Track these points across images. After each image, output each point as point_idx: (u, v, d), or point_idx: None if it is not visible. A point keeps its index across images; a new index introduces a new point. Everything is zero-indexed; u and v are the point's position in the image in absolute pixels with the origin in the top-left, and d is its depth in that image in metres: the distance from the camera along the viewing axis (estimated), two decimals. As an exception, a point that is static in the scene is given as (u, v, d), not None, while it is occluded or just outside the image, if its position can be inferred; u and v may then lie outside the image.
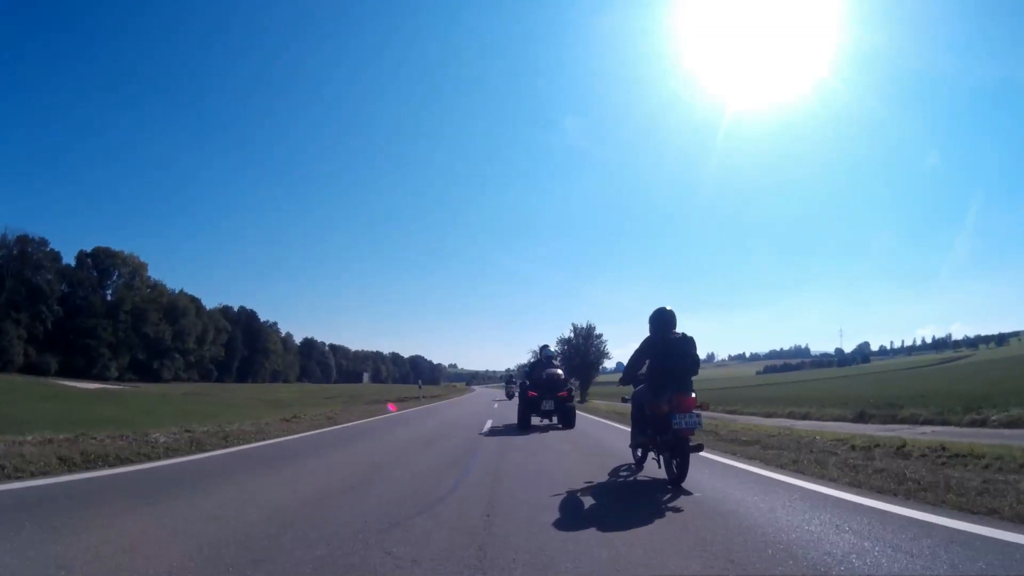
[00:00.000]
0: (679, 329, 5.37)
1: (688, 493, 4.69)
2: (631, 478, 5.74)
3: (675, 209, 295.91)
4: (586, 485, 5.21)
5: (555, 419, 12.30)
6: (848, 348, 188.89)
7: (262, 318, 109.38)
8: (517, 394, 19.93)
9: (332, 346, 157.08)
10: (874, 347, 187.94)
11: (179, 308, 79.96)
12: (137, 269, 76.33)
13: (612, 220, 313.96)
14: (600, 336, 42.26)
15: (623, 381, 6.20)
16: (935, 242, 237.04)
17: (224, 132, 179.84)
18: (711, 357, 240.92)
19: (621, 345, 47.37)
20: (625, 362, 6.07)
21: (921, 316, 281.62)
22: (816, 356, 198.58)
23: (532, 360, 18.79)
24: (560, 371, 12.69)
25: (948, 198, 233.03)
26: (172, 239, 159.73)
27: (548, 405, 11.76)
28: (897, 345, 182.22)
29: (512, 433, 10.96)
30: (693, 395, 5.07)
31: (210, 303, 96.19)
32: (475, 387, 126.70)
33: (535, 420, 12.30)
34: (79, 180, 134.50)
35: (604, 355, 42.22)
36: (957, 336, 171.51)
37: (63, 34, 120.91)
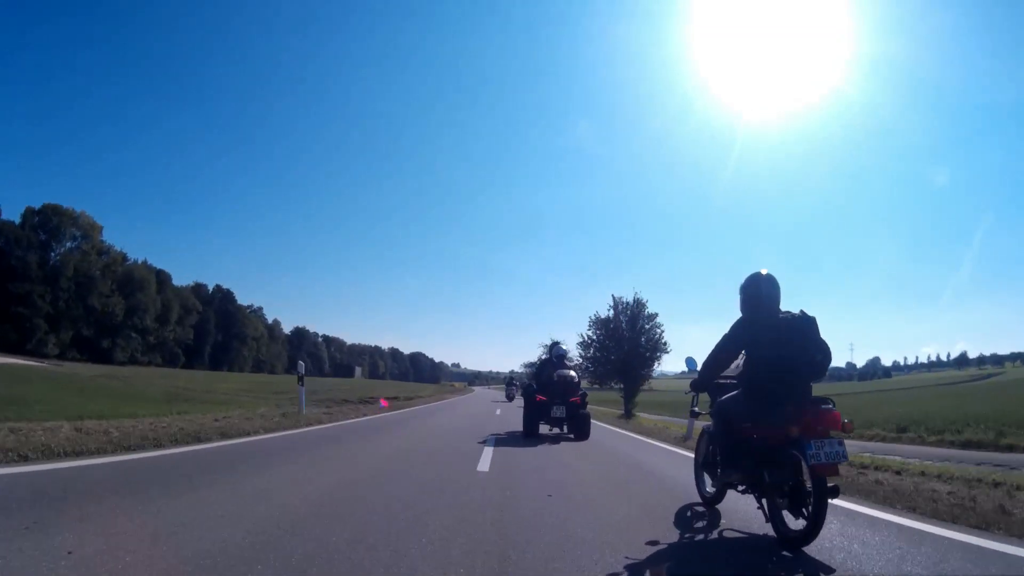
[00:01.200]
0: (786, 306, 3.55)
1: (830, 570, 2.84)
2: (718, 534, 3.59)
3: (685, 217, 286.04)
4: (652, 549, 3.13)
5: (565, 428, 10.71)
6: (859, 363, 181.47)
7: (249, 302, 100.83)
8: (520, 396, 19.45)
9: (326, 337, 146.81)
10: (884, 363, 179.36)
11: (135, 280, 69.20)
12: (89, 231, 65.55)
13: (622, 226, 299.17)
14: (655, 318, 25.42)
15: (698, 386, 4.13)
16: (941, 261, 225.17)
17: (226, 118, 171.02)
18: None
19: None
20: (696, 358, 4.90)
21: (925, 334, 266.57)
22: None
23: (541, 359, 16.30)
24: (573, 372, 11.01)
25: (956, 217, 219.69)
26: (175, 224, 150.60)
27: (559, 411, 10.26)
28: (911, 361, 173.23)
29: (516, 443, 9.10)
30: (835, 409, 3.26)
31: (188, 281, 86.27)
32: (475, 387, 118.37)
33: (543, 428, 10.74)
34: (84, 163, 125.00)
35: (661, 347, 25.16)
36: (956, 355, 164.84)
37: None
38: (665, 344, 24.96)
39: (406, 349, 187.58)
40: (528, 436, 10.15)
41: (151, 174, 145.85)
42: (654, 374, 27.52)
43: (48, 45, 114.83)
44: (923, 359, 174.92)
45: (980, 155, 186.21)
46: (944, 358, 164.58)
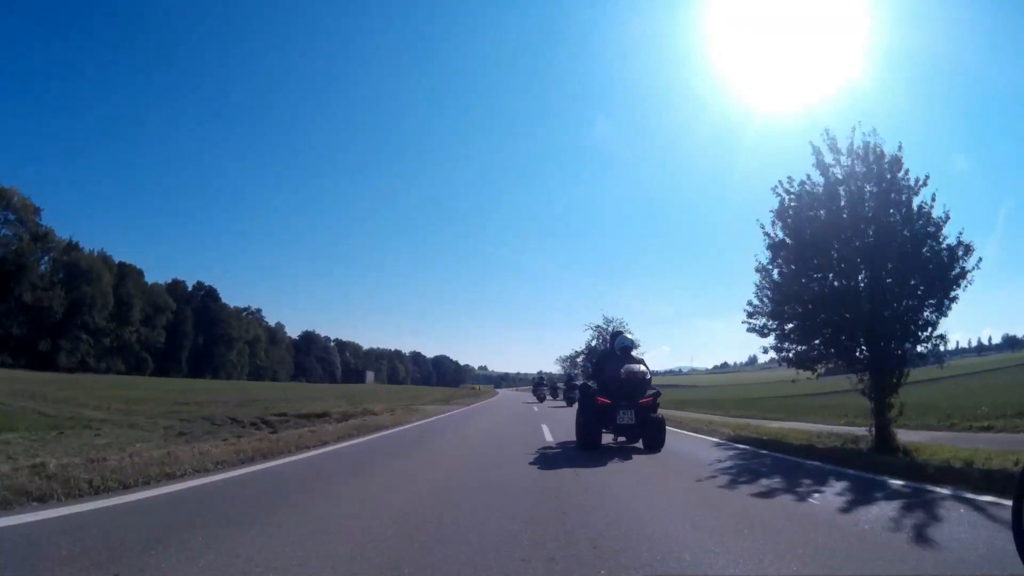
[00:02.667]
0: None
1: None
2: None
3: (705, 212, 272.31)
4: None
5: (621, 437, 8.48)
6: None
7: (247, 304, 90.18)
8: (551, 397, 23.39)
9: (339, 342, 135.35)
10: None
11: (82, 271, 58.02)
12: (22, 212, 54.67)
13: (642, 223, 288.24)
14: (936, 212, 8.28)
15: None
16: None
17: (235, 114, 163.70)
18: (753, 360, 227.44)
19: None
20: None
21: (950, 321, 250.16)
22: None
23: (600, 350, 14.46)
24: (643, 367, 8.25)
25: (977, 203, 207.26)
26: (183, 230, 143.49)
27: (627, 417, 7.77)
28: (950, 346, 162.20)
29: (582, 461, 6.53)
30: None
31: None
32: (500, 390, 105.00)
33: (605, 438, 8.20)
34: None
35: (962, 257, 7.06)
36: (984, 340, 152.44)
37: None
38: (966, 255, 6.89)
39: (430, 353, 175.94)
40: (586, 448, 7.65)
41: (153, 176, 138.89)
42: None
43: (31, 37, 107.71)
44: (964, 344, 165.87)
45: (998, 142, 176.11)
46: (1012, 337, 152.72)
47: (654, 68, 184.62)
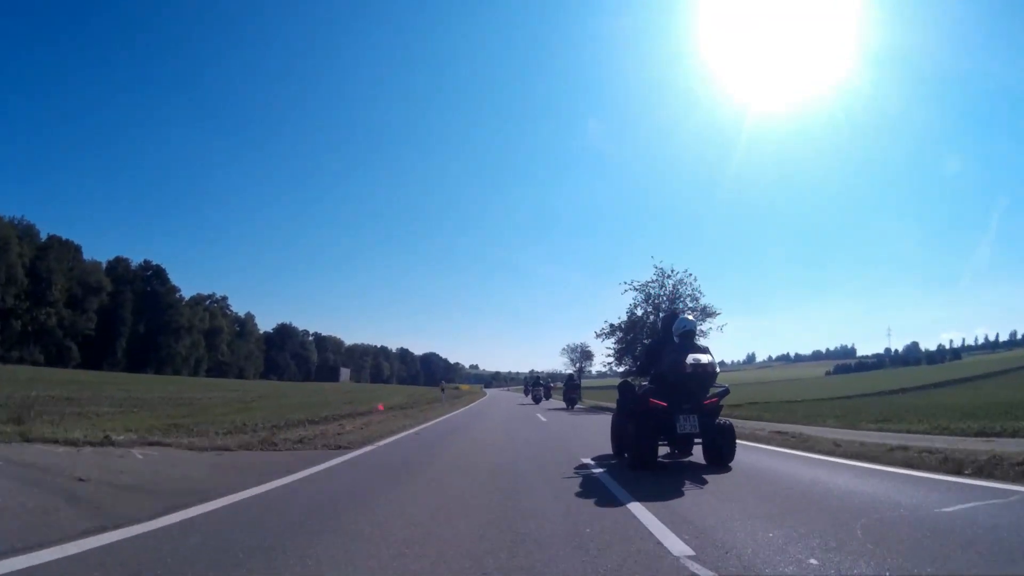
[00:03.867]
0: None
1: None
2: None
3: (697, 210, 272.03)
4: None
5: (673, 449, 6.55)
6: (891, 349, 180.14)
7: (212, 291, 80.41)
8: (546, 398, 22.94)
9: (319, 336, 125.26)
10: (922, 348, 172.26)
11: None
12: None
13: (634, 221, 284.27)
14: None
15: None
16: (957, 246, 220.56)
17: (220, 103, 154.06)
18: (751, 358, 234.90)
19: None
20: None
21: (943, 321, 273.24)
22: (869, 356, 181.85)
23: (649, 341, 11.91)
24: (710, 356, 6.09)
25: (971, 202, 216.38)
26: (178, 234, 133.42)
27: (688, 425, 5.76)
28: (957, 344, 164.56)
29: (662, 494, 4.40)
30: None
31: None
32: (490, 389, 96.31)
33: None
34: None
35: None
36: (991, 337, 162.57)
37: None
38: None
39: (420, 351, 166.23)
40: (641, 468, 5.71)
41: (131, 161, 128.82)
42: None
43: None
44: (971, 341, 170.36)
45: (991, 140, 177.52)
46: (974, 342, 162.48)
47: (647, 68, 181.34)
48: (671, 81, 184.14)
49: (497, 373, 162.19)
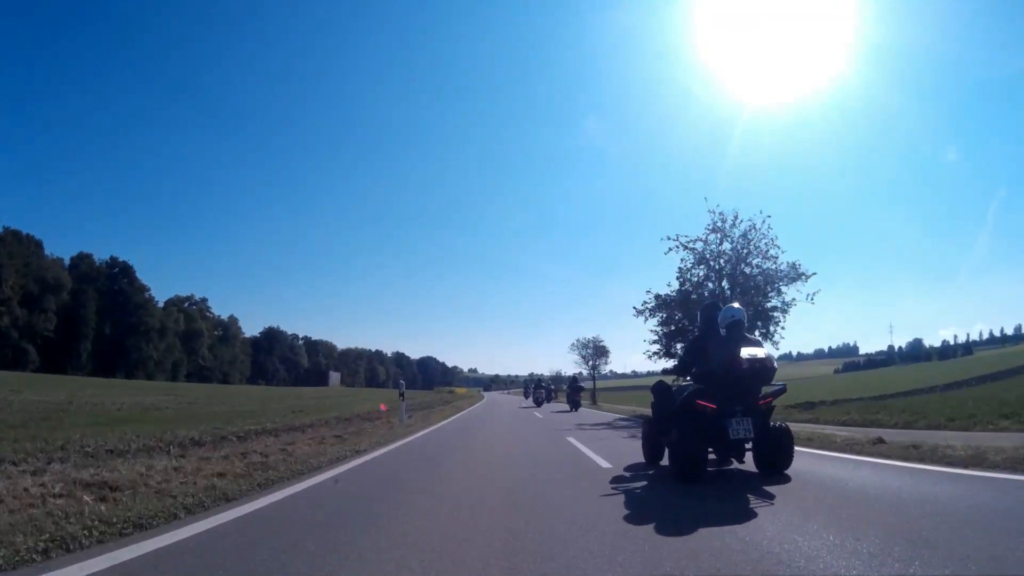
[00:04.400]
0: None
1: None
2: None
3: (693, 206, 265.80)
4: None
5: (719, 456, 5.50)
6: (894, 345, 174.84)
7: (190, 293, 75.41)
8: (551, 399, 22.18)
9: (309, 341, 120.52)
10: (925, 344, 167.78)
11: (-83, 230, 43.69)
12: None
13: (633, 218, 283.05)
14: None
15: None
16: (955, 240, 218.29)
17: (214, 105, 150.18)
18: None
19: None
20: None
21: (942, 316, 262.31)
22: (873, 353, 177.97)
23: (694, 329, 9.79)
24: (766, 350, 5.34)
25: (968, 195, 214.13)
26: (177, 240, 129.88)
27: (742, 429, 4.94)
28: (961, 339, 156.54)
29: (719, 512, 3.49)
30: None
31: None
32: (489, 393, 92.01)
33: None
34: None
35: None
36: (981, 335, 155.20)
37: None
38: None
39: (417, 355, 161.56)
40: (688, 479, 4.92)
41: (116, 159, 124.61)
42: None
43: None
44: (975, 336, 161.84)
45: (988, 131, 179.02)
46: (979, 337, 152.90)
47: (643, 65, 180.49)
48: (667, 79, 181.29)
49: (496, 376, 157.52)
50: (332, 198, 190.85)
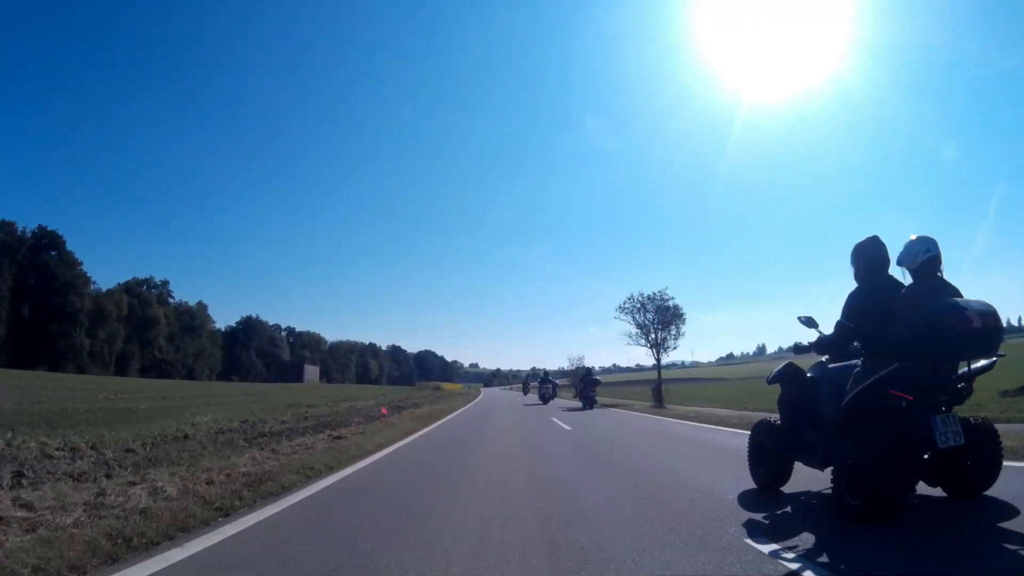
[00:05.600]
0: None
1: None
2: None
3: (692, 204, 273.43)
4: None
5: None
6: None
7: (149, 274, 63.88)
8: (590, 398, 18.60)
9: (293, 332, 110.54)
10: None
11: None
12: None
13: (634, 216, 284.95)
14: None
15: None
16: (955, 236, 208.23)
17: (218, 113, 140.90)
18: (762, 349, 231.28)
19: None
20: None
21: None
22: None
23: (863, 283, 3.86)
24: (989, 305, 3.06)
25: (968, 191, 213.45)
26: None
27: (950, 432, 2.97)
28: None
29: None
30: None
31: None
32: (490, 388, 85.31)
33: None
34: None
35: None
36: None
37: None
38: None
39: (416, 349, 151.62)
40: (876, 519, 2.89)
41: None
42: None
43: None
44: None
45: (987, 126, 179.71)
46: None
47: (642, 62, 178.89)
48: (666, 75, 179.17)
49: (498, 370, 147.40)
50: (333, 192, 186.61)
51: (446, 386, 79.52)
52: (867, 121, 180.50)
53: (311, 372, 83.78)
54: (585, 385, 19.91)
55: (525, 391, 38.47)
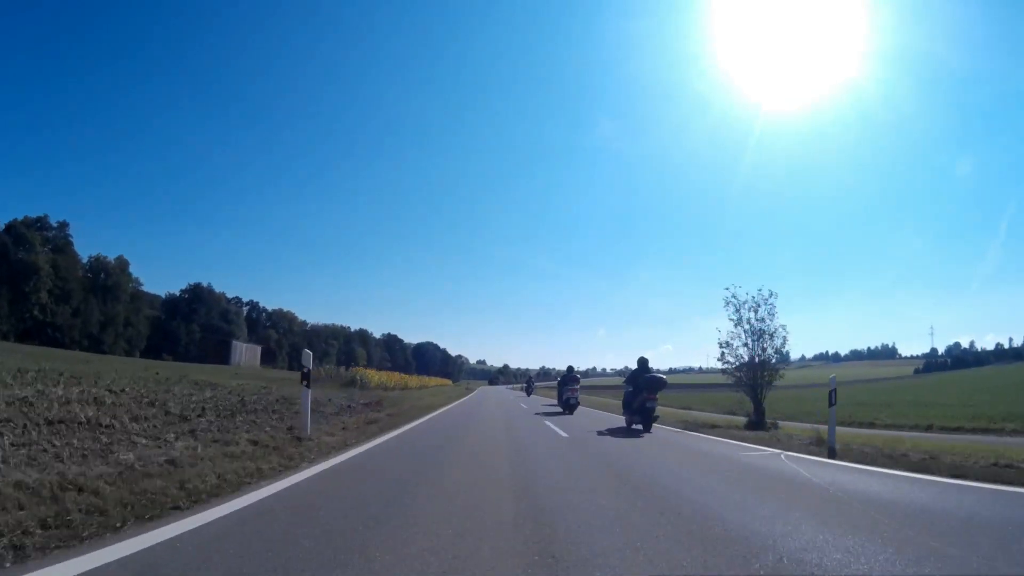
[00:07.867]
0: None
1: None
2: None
3: (708, 211, 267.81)
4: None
5: None
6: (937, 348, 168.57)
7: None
8: (649, 410, 15.39)
9: (256, 307, 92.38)
10: (964, 347, 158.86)
11: None
12: None
13: (644, 220, 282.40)
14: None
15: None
16: (966, 252, 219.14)
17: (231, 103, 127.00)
18: (785, 356, 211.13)
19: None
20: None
21: (952, 325, 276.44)
22: (926, 355, 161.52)
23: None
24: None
25: (981, 205, 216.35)
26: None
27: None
28: (1006, 345, 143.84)
29: None
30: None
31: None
32: (492, 387, 73.11)
33: None
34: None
35: None
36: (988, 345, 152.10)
37: None
38: None
39: (417, 340, 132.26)
40: None
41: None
42: None
43: None
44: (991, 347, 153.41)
45: (1002, 143, 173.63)
46: (1008, 343, 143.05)
47: (657, 67, 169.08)
48: (681, 81, 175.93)
49: (505, 367, 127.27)
50: (341, 186, 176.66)
51: (431, 381, 58.77)
52: (884, 130, 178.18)
53: (242, 350, 64.07)
54: (635, 390, 13.60)
55: (528, 392, 36.29)
